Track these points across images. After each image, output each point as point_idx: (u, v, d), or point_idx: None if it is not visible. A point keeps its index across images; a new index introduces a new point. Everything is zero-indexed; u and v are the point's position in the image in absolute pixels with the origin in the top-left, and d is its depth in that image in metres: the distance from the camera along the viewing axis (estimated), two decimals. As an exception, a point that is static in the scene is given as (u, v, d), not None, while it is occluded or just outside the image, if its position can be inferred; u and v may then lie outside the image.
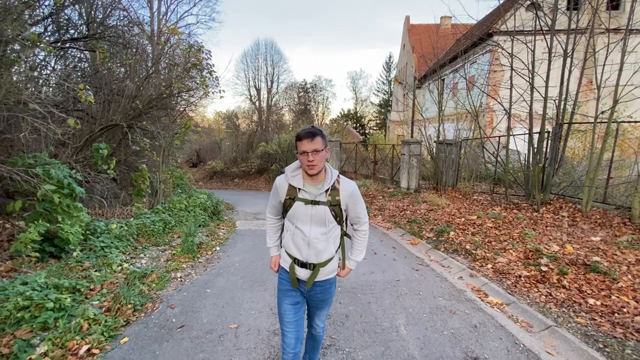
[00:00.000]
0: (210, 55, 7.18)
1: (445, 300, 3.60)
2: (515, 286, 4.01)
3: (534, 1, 6.52)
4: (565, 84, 6.61)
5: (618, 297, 3.48)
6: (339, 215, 1.80)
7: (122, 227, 5.07)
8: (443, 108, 10.44)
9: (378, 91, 40.65)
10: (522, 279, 4.16)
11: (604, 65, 5.95)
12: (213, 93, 7.79)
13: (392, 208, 8.86)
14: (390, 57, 40.08)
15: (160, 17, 19.49)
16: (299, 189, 1.77)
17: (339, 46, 74.52)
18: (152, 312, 3.20)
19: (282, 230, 1.99)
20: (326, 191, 1.76)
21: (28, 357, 2.32)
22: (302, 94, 29.88)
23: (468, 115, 9.51)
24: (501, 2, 7.63)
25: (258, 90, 27.96)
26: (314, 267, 1.81)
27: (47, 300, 2.75)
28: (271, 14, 68.24)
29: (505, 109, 7.42)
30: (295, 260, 1.84)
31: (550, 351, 2.71)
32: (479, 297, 3.73)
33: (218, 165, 23.17)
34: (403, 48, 28.60)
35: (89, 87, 3.97)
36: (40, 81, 3.81)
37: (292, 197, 1.78)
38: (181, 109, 8.68)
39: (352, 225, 1.95)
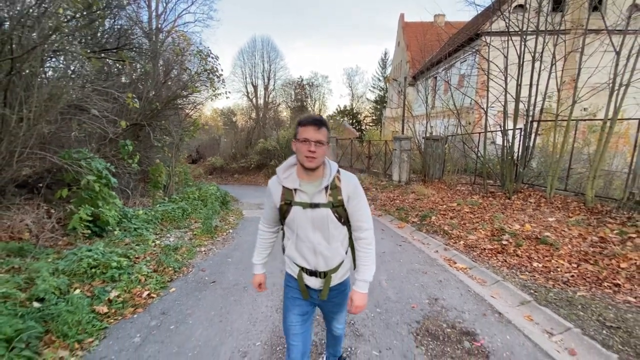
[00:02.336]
0: (219, 62, 7.98)
1: (420, 265, 4.49)
2: (480, 256, 4.91)
3: (504, 14, 7.35)
4: (535, 85, 7.49)
5: (557, 261, 4.39)
6: (343, 216, 1.59)
7: (147, 213, 5.90)
8: (431, 107, 11.29)
9: (374, 87, 41.42)
10: (486, 251, 5.06)
11: (562, 69, 6.83)
12: (220, 95, 8.60)
13: (384, 198, 9.74)
14: (385, 53, 40.76)
15: (159, 14, 20.02)
16: (295, 190, 1.56)
17: (335, 42, 75.15)
18: (188, 273, 4.07)
19: (273, 246, 1.87)
20: (325, 189, 1.54)
21: (107, 298, 3.16)
22: (298, 90, 30.59)
23: (455, 112, 10.37)
24: (479, 11, 8.45)
25: (255, 87, 28.65)
26: (324, 276, 1.64)
27: (111, 261, 3.59)
28: (267, 10, 68.62)
29: (483, 109, 8.30)
30: (303, 269, 1.67)
31: (494, 295, 3.60)
32: (448, 264, 4.62)
33: (217, 162, 23.79)
34: (398, 45, 29.40)
35: (135, 96, 4.75)
36: (85, 89, 4.57)
37: (288, 201, 1.57)
38: (190, 109, 9.49)
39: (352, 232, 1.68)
